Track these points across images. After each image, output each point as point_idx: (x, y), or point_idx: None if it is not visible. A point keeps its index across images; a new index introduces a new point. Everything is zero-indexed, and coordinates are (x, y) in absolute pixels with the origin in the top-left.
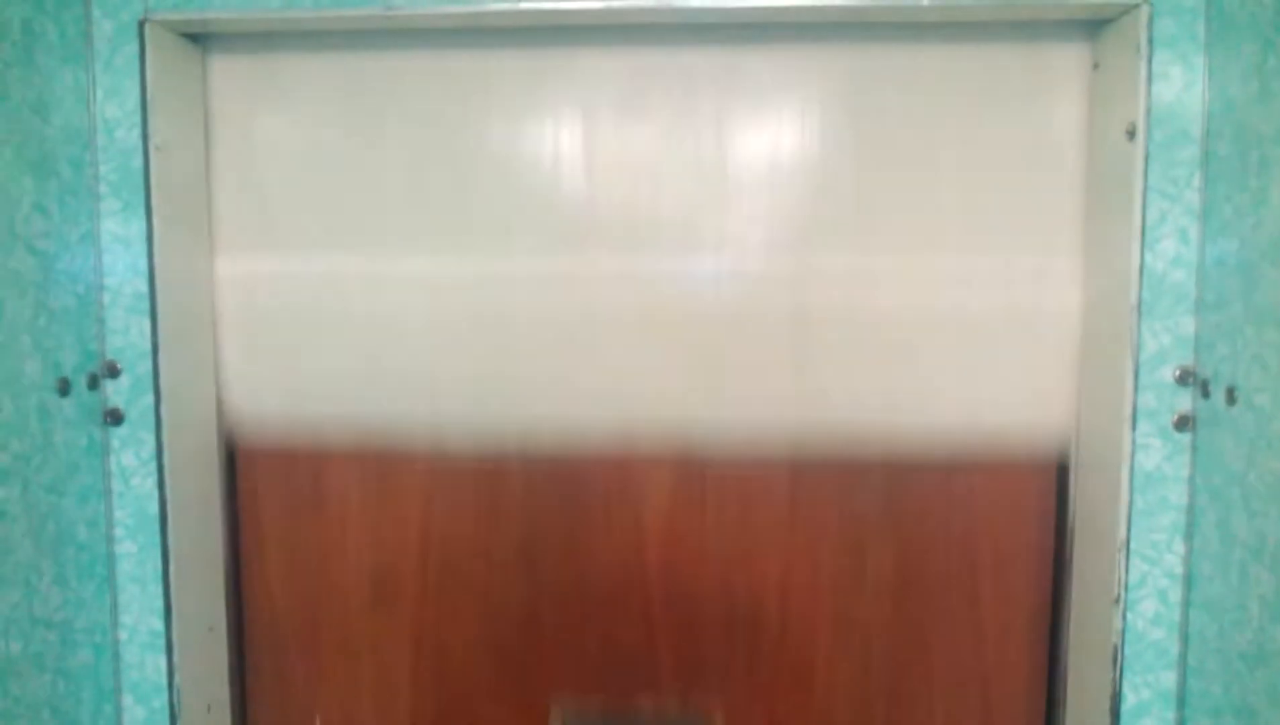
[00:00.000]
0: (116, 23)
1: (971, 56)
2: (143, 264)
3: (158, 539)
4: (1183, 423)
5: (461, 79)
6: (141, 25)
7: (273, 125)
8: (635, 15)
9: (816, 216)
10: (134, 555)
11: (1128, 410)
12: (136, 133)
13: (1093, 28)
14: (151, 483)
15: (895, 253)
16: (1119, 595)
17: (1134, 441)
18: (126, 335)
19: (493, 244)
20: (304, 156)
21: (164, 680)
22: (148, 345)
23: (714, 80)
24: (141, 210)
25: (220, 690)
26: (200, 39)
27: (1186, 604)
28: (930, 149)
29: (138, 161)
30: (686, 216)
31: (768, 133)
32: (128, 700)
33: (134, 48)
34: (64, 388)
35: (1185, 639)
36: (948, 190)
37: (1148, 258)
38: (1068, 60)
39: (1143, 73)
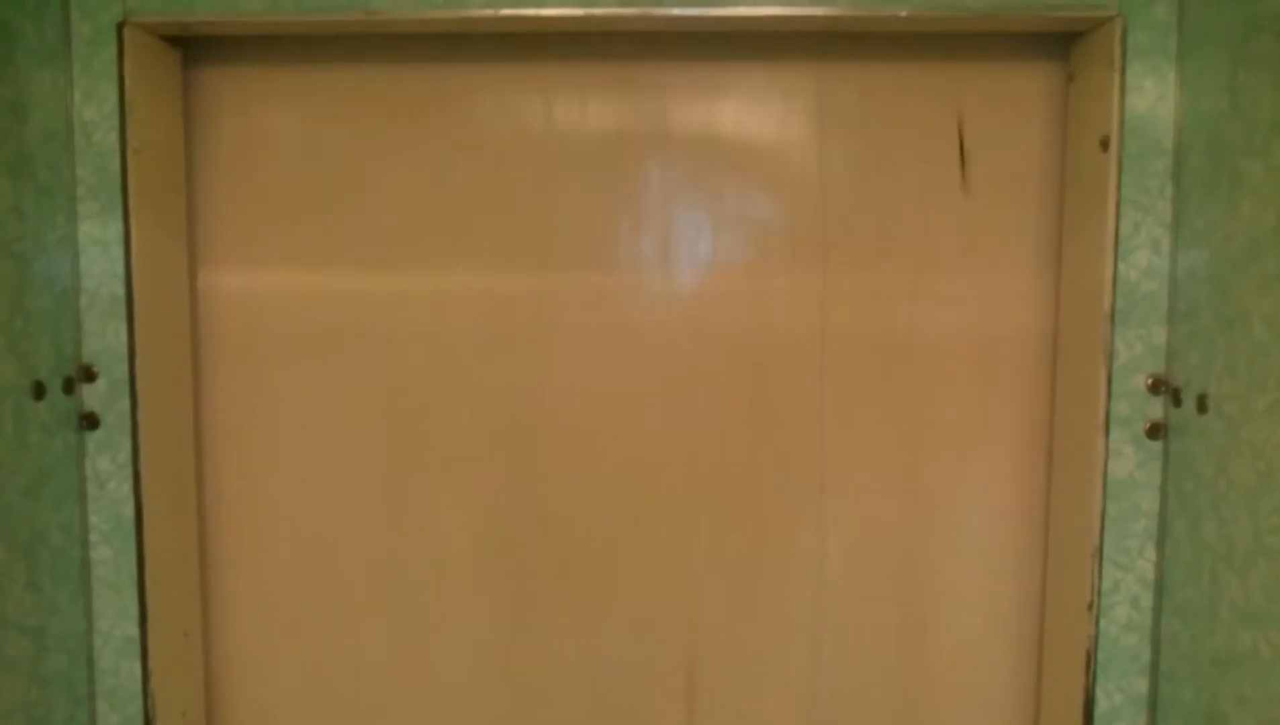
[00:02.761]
0: (95, 25)
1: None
2: (120, 267)
3: (133, 544)
4: (1155, 430)
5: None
6: (120, 28)
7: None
8: (615, 23)
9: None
10: (109, 560)
11: (1101, 418)
12: (115, 136)
13: (1067, 40)
14: (127, 488)
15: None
16: (1092, 601)
17: (1107, 449)
18: (103, 339)
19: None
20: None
21: (139, 686)
22: (124, 349)
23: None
24: (119, 213)
25: (195, 696)
26: (181, 44)
27: (1158, 610)
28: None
29: (115, 165)
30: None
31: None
32: (102, 706)
33: (113, 50)
34: (39, 391)
35: (1157, 644)
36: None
37: (1121, 268)
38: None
39: (1116, 85)
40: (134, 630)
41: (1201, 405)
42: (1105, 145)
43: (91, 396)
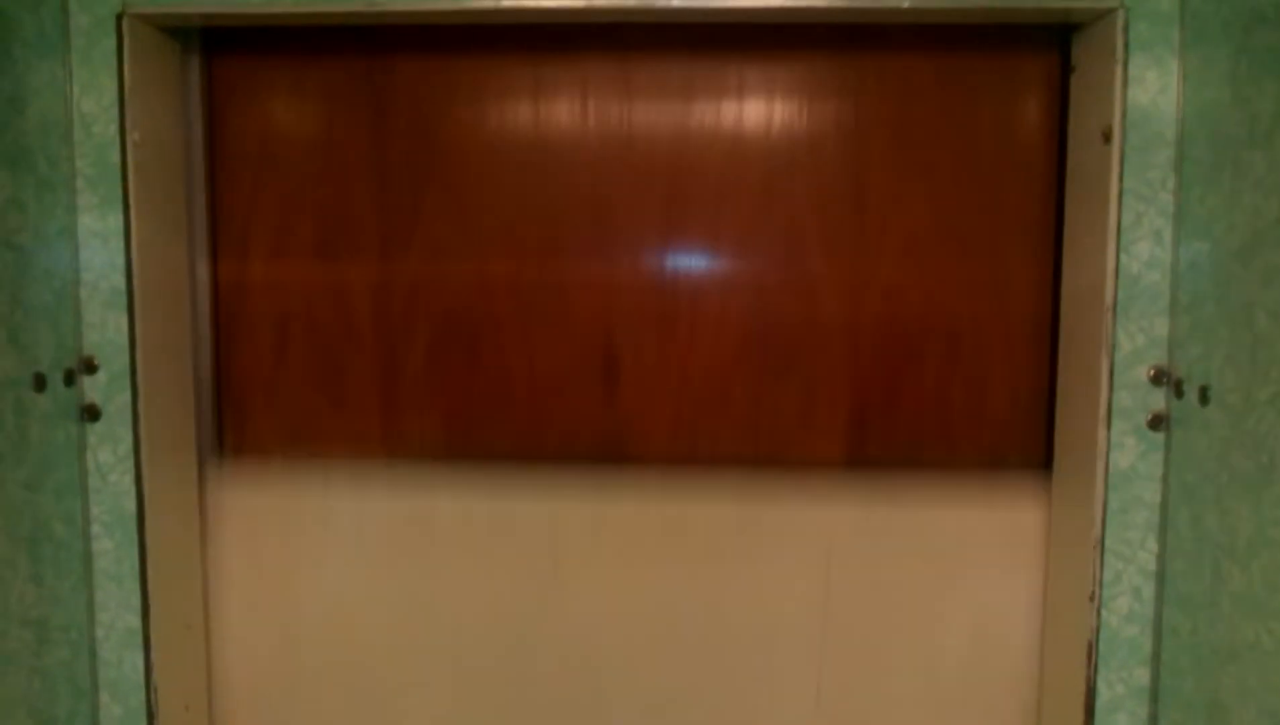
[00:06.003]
0: (94, 16)
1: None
2: (120, 259)
3: (135, 536)
4: (1157, 422)
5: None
6: (119, 19)
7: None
8: (620, 14)
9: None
10: (111, 552)
11: (1103, 410)
12: (114, 128)
13: (1069, 32)
14: (129, 479)
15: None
16: (1094, 592)
17: (1109, 440)
18: (104, 331)
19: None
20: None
21: (141, 678)
22: (125, 341)
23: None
24: (119, 205)
25: (198, 688)
26: (181, 34)
27: (1160, 600)
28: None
29: (115, 156)
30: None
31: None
32: (104, 698)
33: (111, 42)
34: (40, 383)
35: (1159, 635)
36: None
37: (1123, 259)
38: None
39: (1118, 77)
40: (136, 622)
41: (1204, 397)
42: (1107, 137)
43: (93, 388)
